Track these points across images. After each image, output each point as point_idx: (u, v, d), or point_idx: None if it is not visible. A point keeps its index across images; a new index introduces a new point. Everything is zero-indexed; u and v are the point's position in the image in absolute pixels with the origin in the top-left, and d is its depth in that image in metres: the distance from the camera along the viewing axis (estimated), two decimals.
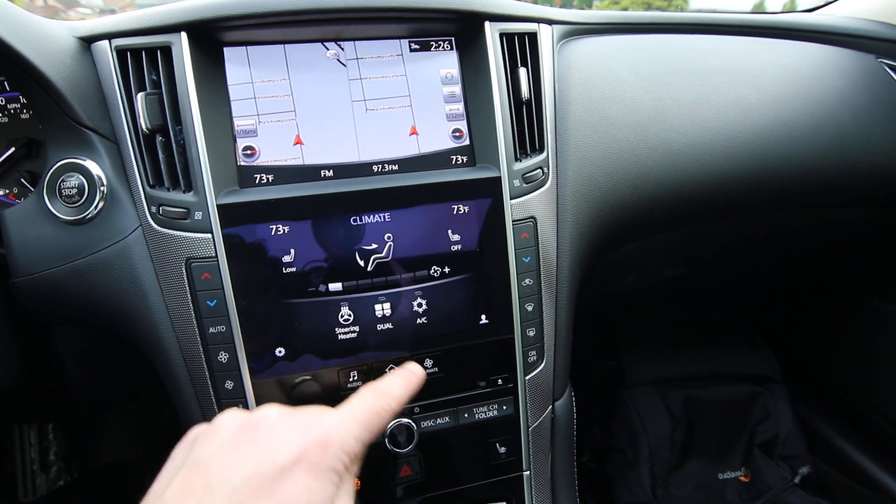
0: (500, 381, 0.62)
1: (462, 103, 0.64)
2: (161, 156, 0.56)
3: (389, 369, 0.59)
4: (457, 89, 0.64)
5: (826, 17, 0.96)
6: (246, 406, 0.56)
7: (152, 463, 0.32)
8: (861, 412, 1.18)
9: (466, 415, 0.62)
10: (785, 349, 1.34)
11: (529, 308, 0.62)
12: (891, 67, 0.88)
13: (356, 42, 0.62)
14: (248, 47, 0.60)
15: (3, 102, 0.66)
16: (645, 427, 1.19)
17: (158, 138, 0.56)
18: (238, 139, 0.59)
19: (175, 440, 0.36)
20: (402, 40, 0.63)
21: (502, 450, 0.63)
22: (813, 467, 1.20)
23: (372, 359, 0.59)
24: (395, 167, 0.62)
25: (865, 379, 1.16)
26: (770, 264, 1.13)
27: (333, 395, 0.58)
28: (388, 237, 0.58)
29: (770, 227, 0.95)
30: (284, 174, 0.59)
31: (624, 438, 1.20)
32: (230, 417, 0.34)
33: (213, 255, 0.54)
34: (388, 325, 0.59)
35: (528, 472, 0.65)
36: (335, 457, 0.31)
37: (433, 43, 0.64)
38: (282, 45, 0.61)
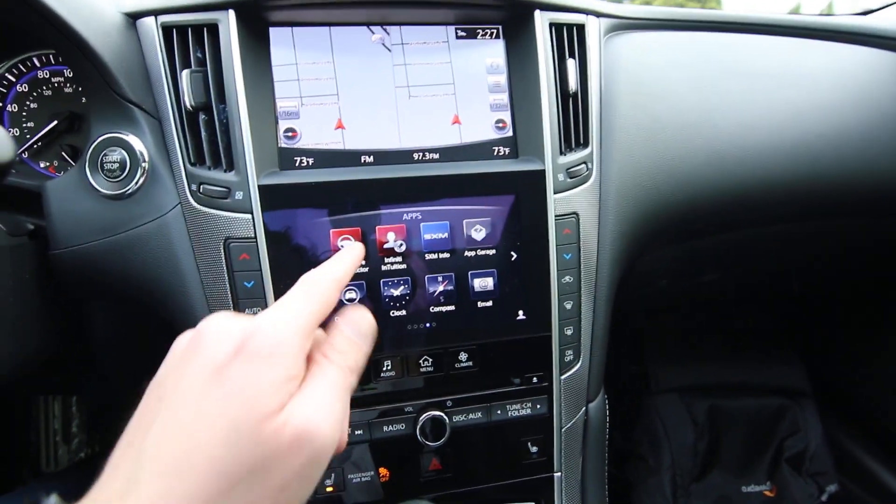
0: (534, 380, 0.61)
1: (507, 93, 0.63)
2: (203, 134, 0.55)
3: (423, 361, 0.58)
4: (502, 79, 0.63)
5: (883, 22, 0.92)
6: None
7: None
8: (893, 432, 1.14)
9: (499, 411, 0.60)
10: (816, 362, 1.30)
11: (568, 306, 0.61)
12: None
13: (402, 27, 0.61)
14: (294, 28, 0.59)
15: (48, 76, 0.67)
16: (668, 435, 1.17)
17: (201, 116, 0.55)
18: (280, 121, 0.58)
19: None
20: (448, 27, 0.62)
21: (534, 449, 0.62)
22: (840, 486, 1.17)
23: (406, 350, 0.58)
24: (437, 156, 0.60)
25: None
26: (808, 275, 1.10)
27: (365, 384, 0.57)
28: (427, 226, 0.57)
29: (811, 236, 0.92)
30: (325, 158, 0.58)
31: (646, 445, 1.17)
32: (180, 338, 0.37)
33: (252, 236, 0.54)
34: (424, 317, 0.57)
35: (559, 474, 0.63)
36: (266, 342, 0.33)
37: (480, 30, 0.63)
38: (327, 27, 0.60)
